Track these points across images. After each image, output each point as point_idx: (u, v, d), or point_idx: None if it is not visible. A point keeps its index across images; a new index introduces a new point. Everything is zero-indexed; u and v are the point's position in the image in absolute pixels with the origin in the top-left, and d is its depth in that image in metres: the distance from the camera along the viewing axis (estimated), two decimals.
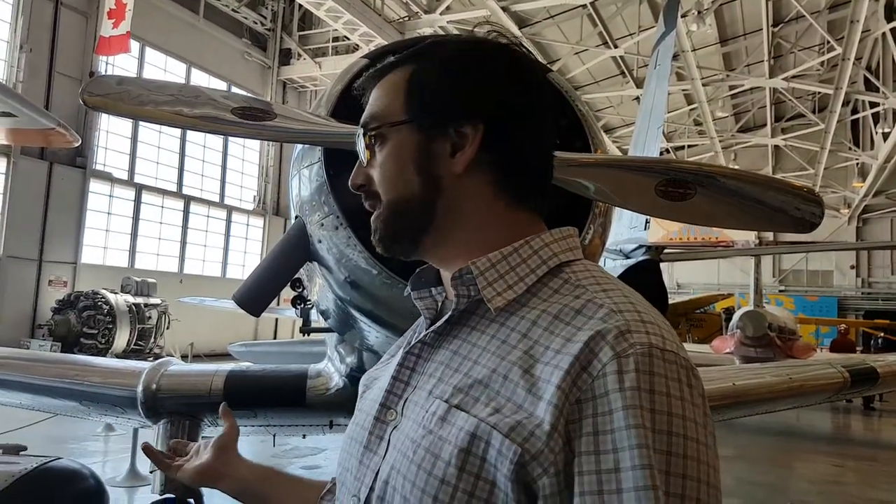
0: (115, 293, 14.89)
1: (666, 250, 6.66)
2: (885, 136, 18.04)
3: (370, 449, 0.82)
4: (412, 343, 0.86)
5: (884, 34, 14.43)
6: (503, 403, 0.71)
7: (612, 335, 0.70)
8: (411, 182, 0.85)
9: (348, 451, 0.88)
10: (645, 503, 0.62)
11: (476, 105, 0.85)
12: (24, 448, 2.37)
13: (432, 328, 0.85)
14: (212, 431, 3.06)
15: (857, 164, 24.36)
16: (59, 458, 2.22)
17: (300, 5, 19.91)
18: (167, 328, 15.80)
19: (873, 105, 18.80)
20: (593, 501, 0.64)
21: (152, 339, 15.45)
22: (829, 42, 16.27)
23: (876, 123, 19.35)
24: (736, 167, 20.78)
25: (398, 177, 0.86)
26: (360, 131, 0.90)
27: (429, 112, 0.86)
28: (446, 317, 0.84)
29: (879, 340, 21.52)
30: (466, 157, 0.84)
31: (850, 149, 23.32)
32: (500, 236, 0.84)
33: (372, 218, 0.88)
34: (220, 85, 21.13)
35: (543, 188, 0.89)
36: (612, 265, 5.48)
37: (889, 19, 13.98)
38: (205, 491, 2.78)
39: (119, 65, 18.04)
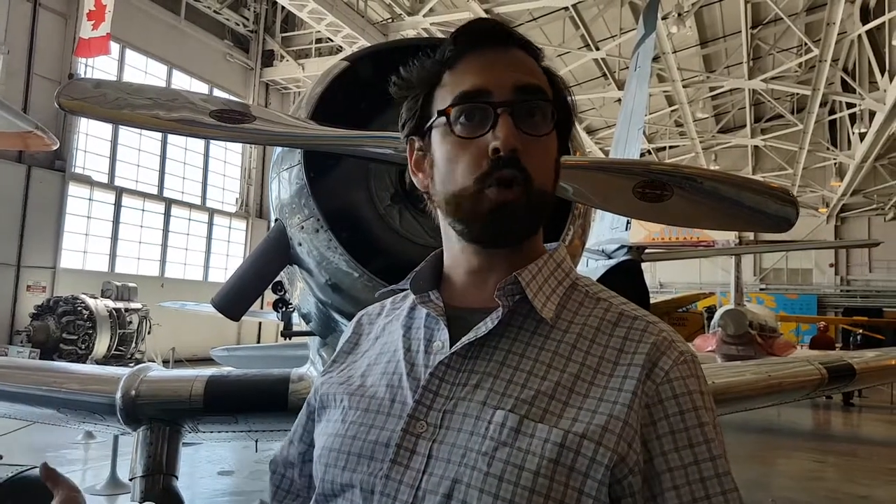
0: (95, 298, 14.67)
1: (647, 250, 6.73)
2: (862, 137, 18.32)
3: (400, 463, 0.77)
4: (443, 355, 0.82)
5: (860, 36, 14.64)
6: (576, 414, 0.75)
7: (664, 346, 0.79)
8: (552, 180, 0.85)
9: (350, 467, 0.80)
10: (726, 485, 0.75)
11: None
12: (0, 457, 2.33)
13: (466, 340, 0.81)
14: (192, 438, 3.02)
15: (835, 163, 24.73)
16: (36, 468, 2.18)
17: (283, 7, 19.79)
18: (148, 333, 15.61)
19: (850, 106, 19.08)
20: (686, 491, 0.73)
21: (133, 345, 15.24)
22: (806, 44, 16.50)
23: (853, 124, 19.65)
24: (714, 168, 21.01)
25: (550, 167, 0.84)
26: (513, 91, 0.80)
27: (567, 122, 0.88)
28: (488, 328, 0.80)
29: (858, 337, 21.88)
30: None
31: (827, 149, 23.67)
32: (535, 249, 0.88)
33: (511, 186, 0.79)
34: (202, 87, 20.94)
35: None
36: (595, 265, 5.52)
37: (865, 22, 14.20)
38: (185, 498, 2.75)
39: (99, 67, 17.78)
